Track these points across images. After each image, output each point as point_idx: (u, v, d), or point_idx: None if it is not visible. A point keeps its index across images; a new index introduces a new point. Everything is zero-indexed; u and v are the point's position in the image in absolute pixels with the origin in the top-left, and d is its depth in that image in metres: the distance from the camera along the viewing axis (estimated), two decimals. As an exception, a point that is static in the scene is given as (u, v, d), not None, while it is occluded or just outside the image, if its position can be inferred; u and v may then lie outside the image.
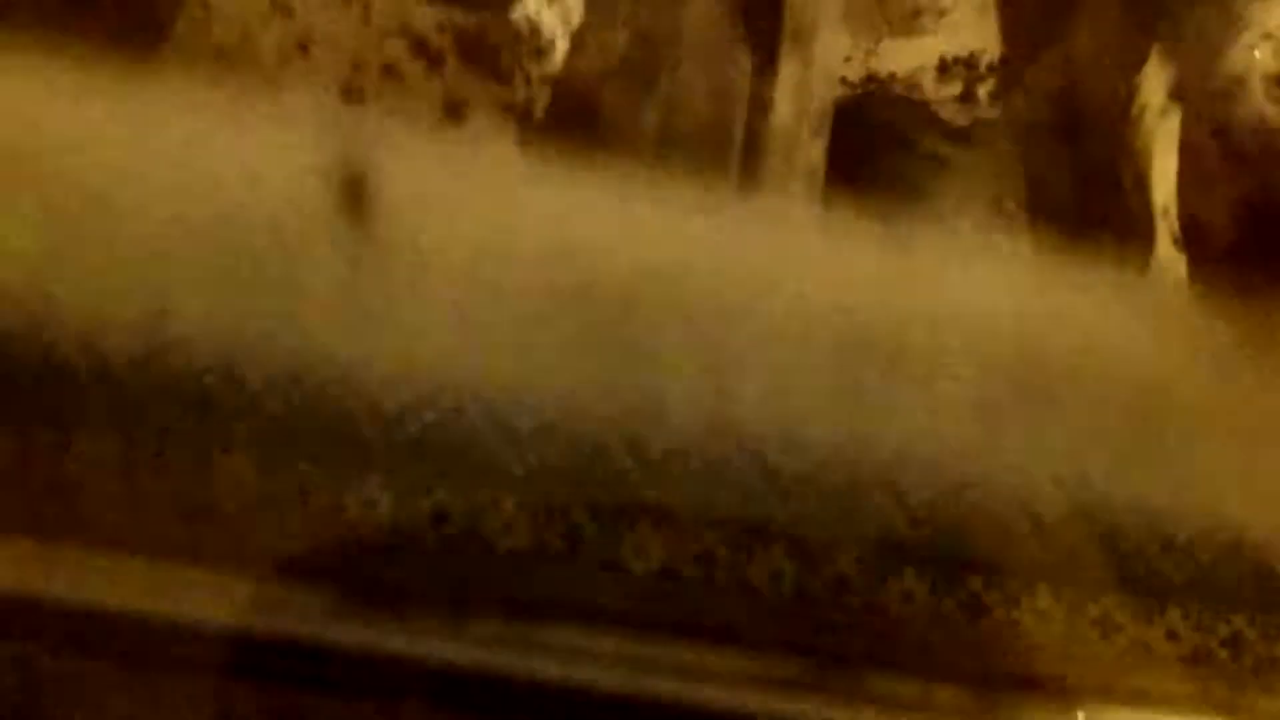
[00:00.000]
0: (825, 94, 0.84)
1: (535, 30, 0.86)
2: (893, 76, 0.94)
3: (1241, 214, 0.61)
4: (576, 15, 0.86)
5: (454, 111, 0.85)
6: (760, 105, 0.86)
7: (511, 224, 0.59)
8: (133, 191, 0.59)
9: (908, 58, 0.94)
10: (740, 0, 0.87)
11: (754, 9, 0.87)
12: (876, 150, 0.89)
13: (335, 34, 0.86)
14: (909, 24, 0.93)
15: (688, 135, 0.86)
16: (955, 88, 0.94)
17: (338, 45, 0.86)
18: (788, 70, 0.86)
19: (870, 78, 0.94)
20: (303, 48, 0.85)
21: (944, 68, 0.94)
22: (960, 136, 0.92)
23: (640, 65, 0.86)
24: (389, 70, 0.85)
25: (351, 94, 0.85)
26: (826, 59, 0.85)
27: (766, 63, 0.87)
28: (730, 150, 0.85)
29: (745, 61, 0.87)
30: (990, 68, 0.94)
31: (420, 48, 0.86)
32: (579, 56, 0.87)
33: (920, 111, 0.93)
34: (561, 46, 0.87)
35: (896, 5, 0.93)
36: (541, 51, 0.87)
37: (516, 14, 0.86)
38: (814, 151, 0.84)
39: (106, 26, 0.84)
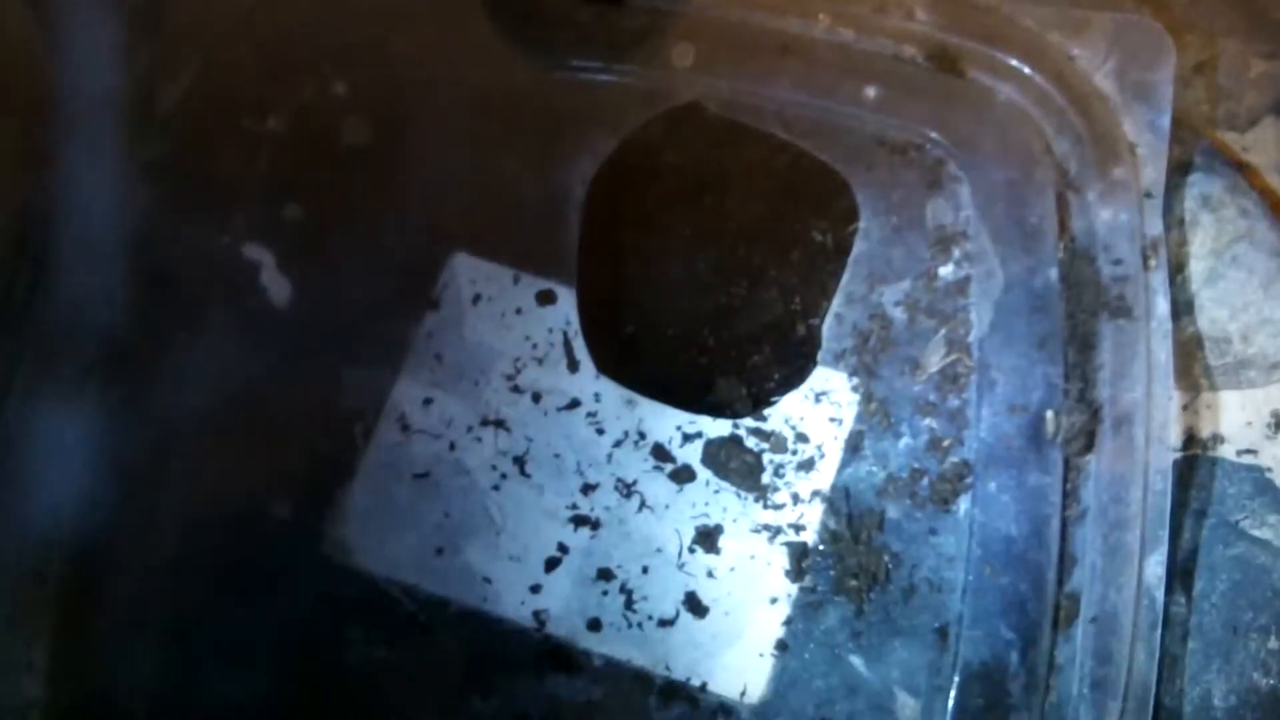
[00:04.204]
0: (1158, 487, 0.73)
1: (800, 436, 0.77)
2: (1217, 438, 0.82)
3: None
4: (849, 416, 0.76)
5: (706, 539, 0.76)
6: (1078, 513, 0.75)
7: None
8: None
9: (1235, 414, 0.83)
10: (1041, 390, 0.76)
11: (1060, 395, 0.76)
12: (1199, 543, 0.78)
13: (560, 448, 0.76)
14: (1236, 375, 0.82)
15: (995, 571, 0.74)
16: (1295, 448, 0.83)
17: (563, 461, 0.76)
18: (1107, 466, 0.75)
19: (1189, 438, 0.82)
20: (519, 465, 0.76)
21: (1278, 425, 0.83)
22: (1309, 514, 0.80)
23: (934, 478, 0.76)
24: (626, 489, 0.76)
25: (580, 522, 0.76)
26: (1156, 448, 0.74)
27: (1081, 455, 0.76)
28: (1046, 583, 0.74)
29: (1057, 460, 0.76)
30: (1339, 423, 0.83)
31: (662, 461, 0.76)
32: (854, 466, 0.77)
33: (1253, 481, 0.82)
34: (833, 453, 0.77)
35: (1219, 353, 0.82)
36: (809, 461, 0.77)
37: (775, 417, 0.77)
38: (1150, 569, 0.72)
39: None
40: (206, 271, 0.78)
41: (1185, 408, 0.84)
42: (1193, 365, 0.83)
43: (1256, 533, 0.81)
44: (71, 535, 0.72)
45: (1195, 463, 0.83)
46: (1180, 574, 0.80)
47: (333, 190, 0.79)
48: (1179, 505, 0.78)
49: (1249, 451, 0.83)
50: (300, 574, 0.76)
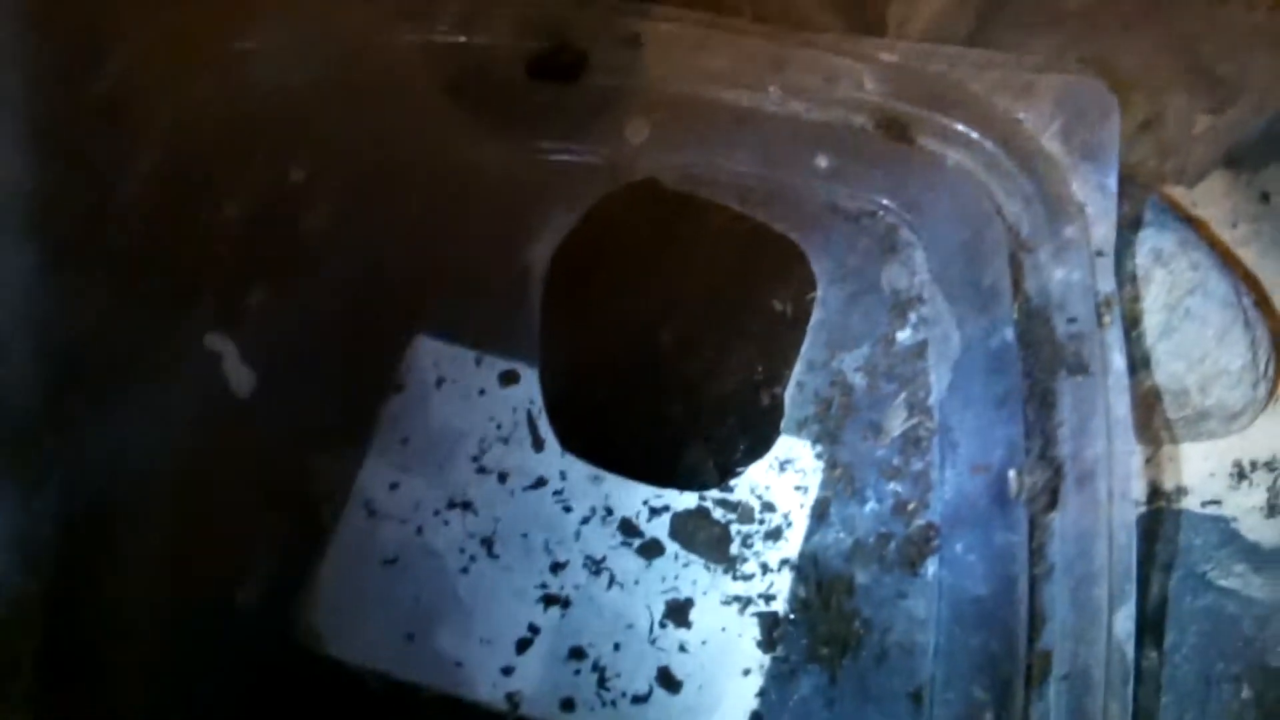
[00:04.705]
0: (1123, 541, 0.74)
1: (766, 505, 0.78)
2: (1181, 490, 0.84)
3: None
4: (815, 483, 0.78)
5: (677, 613, 0.77)
6: (1045, 571, 0.76)
7: None
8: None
9: (1198, 465, 0.85)
10: (1003, 449, 0.77)
11: (1022, 454, 0.77)
12: (1167, 595, 0.79)
13: (528, 527, 0.77)
14: (1196, 427, 0.84)
15: (966, 631, 0.75)
16: (1257, 497, 0.84)
17: (531, 540, 0.77)
18: (1073, 522, 0.76)
19: (1154, 492, 0.84)
20: (487, 546, 0.77)
21: (1241, 475, 0.84)
22: (1271, 563, 0.82)
23: (901, 542, 0.77)
24: (595, 566, 0.77)
25: (550, 601, 0.77)
26: (1120, 502, 0.75)
27: (1045, 513, 0.77)
28: (1017, 642, 0.75)
29: (1021, 519, 0.77)
30: (1300, 470, 0.84)
31: (630, 536, 0.77)
32: (822, 533, 0.78)
33: (1219, 532, 0.83)
34: (800, 521, 0.78)
35: (1179, 406, 0.83)
36: (776, 531, 0.78)
37: (741, 487, 0.78)
38: (1119, 623, 0.73)
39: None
40: (169, 361, 0.79)
41: (1148, 461, 0.85)
42: (1153, 418, 0.84)
43: (1224, 583, 0.82)
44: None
45: (1160, 515, 0.85)
46: (1151, 627, 0.81)
47: (294, 275, 0.80)
48: (1146, 558, 0.80)
49: (1213, 502, 0.84)
50: (270, 663, 0.76)
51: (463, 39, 0.79)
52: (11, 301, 0.69)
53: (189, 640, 0.76)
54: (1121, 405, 0.74)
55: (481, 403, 0.80)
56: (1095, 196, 0.77)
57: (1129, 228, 0.83)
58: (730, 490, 0.80)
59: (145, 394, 0.76)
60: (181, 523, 0.77)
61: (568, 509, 0.79)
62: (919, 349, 0.81)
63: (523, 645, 0.77)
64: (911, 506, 0.79)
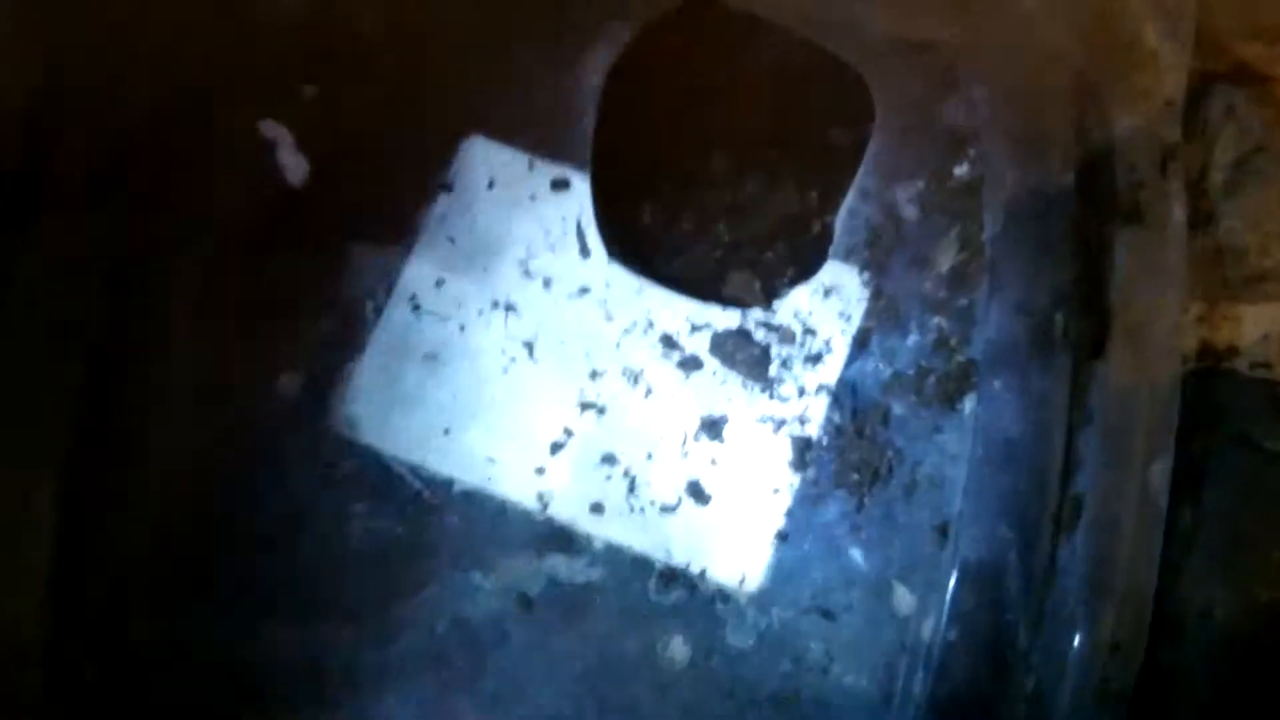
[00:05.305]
0: (1166, 397, 0.73)
1: (808, 330, 0.79)
2: (1232, 350, 0.83)
3: None
4: (858, 312, 0.78)
5: (712, 428, 0.78)
6: (1084, 417, 0.76)
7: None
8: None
9: (1251, 327, 0.83)
10: (1051, 292, 0.76)
11: (1070, 299, 0.76)
12: (1209, 454, 0.79)
13: (569, 333, 0.78)
14: (1253, 288, 0.83)
15: (997, 470, 0.76)
16: (1310, 363, 0.83)
17: (571, 347, 0.78)
18: (1116, 371, 0.76)
19: (1205, 350, 0.83)
20: (528, 349, 0.78)
21: (1295, 339, 0.83)
22: (1319, 428, 0.81)
23: (940, 376, 0.77)
24: (632, 376, 0.78)
25: (586, 407, 0.78)
26: (1166, 356, 0.74)
27: (1089, 360, 0.76)
28: (1049, 486, 0.75)
29: (1064, 364, 0.76)
30: (1356, 341, 0.83)
31: (670, 350, 0.78)
32: (862, 361, 0.78)
33: (1266, 395, 0.82)
34: (841, 348, 0.78)
35: (1237, 265, 0.82)
36: (816, 355, 0.79)
37: (784, 310, 0.79)
38: (1154, 476, 0.73)
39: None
40: (226, 148, 0.80)
41: (1200, 319, 0.84)
42: (1209, 276, 0.83)
43: (1267, 446, 0.82)
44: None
45: (1208, 374, 0.84)
46: (1187, 484, 0.80)
47: (348, 70, 0.81)
48: (1189, 415, 0.79)
49: (1263, 365, 0.83)
50: (306, 449, 0.78)
51: None
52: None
53: (229, 423, 0.78)
54: (1177, 259, 0.73)
55: (531, 207, 0.81)
56: (1168, 45, 0.75)
57: (1202, 81, 0.81)
58: (773, 312, 0.80)
59: (199, 180, 0.77)
60: (233, 306, 0.78)
61: (610, 319, 0.80)
62: (974, 186, 0.80)
63: (556, 448, 0.78)
64: (954, 342, 0.79)
